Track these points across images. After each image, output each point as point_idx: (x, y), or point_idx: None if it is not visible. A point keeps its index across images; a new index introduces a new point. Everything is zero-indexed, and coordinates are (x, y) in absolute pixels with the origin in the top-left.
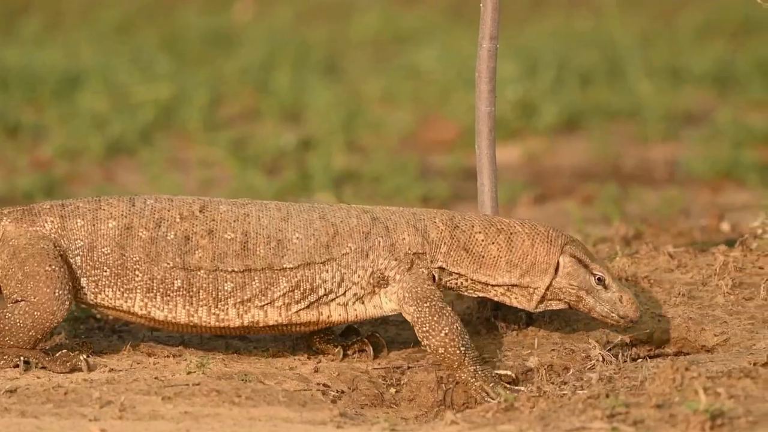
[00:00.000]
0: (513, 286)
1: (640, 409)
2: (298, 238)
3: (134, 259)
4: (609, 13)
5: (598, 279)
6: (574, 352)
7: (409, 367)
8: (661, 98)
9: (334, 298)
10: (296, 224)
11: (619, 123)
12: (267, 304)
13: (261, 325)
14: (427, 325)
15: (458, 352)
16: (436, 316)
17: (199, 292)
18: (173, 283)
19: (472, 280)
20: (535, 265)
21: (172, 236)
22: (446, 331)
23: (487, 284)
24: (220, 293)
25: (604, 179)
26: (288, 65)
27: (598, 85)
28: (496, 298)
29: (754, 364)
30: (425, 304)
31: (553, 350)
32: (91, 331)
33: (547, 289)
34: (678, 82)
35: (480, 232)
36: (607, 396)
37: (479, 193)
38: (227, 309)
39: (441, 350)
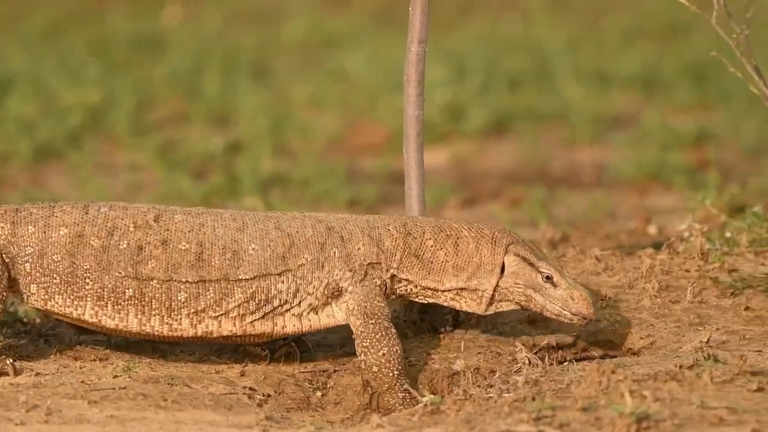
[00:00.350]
0: (461, 289)
1: (566, 412)
2: (254, 248)
3: (85, 267)
4: (537, 16)
5: (546, 277)
6: (501, 355)
7: (335, 371)
8: (588, 101)
9: (289, 309)
10: (252, 235)
11: (547, 126)
12: (221, 314)
13: (215, 335)
14: (368, 341)
15: (391, 374)
16: (379, 334)
17: (151, 301)
18: (124, 293)
19: (421, 286)
20: (480, 267)
21: (125, 245)
22: (385, 352)
23: (436, 290)
24: (173, 303)
25: (532, 182)
26: (216, 69)
27: (526, 89)
28: (446, 303)
29: (680, 367)
30: (371, 321)
31: (479, 353)
32: (17, 335)
33: (495, 290)
34: (605, 86)
35: (430, 238)
36: (534, 399)
37: (407, 197)
38: (180, 319)
39: (375, 369)
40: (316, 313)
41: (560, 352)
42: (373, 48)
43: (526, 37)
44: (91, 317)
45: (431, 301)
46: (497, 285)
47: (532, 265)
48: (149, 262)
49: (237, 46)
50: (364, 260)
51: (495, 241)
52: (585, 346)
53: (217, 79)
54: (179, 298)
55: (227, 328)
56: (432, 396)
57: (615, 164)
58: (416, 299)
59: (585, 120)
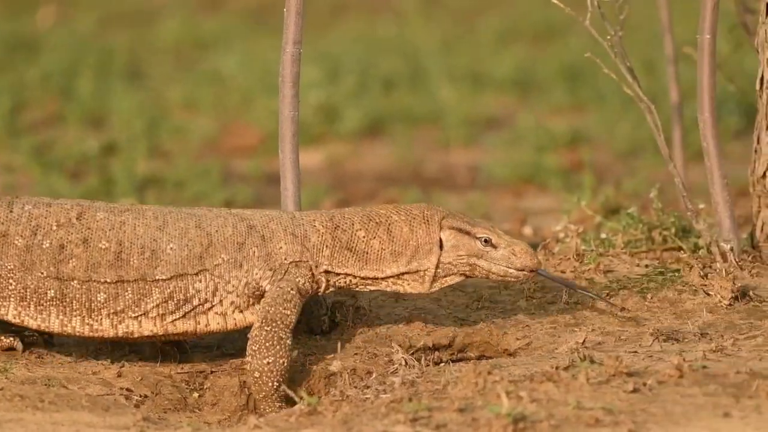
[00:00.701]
0: (403, 274)
1: (443, 413)
2: (171, 248)
3: (8, 267)
4: (411, 18)
5: (485, 241)
6: (377, 356)
7: (212, 372)
8: (463, 103)
9: (211, 308)
10: (171, 234)
11: (421, 128)
12: (141, 314)
13: (136, 335)
14: (258, 345)
15: (271, 385)
16: (270, 342)
17: (72, 302)
18: (46, 293)
19: (360, 277)
20: (419, 248)
21: (48, 245)
22: (270, 361)
23: (376, 278)
24: (93, 304)
25: (407, 184)
26: (91, 71)
27: (400, 91)
28: (389, 289)
29: (557, 368)
30: (267, 326)
31: (356, 354)
32: None
33: (437, 267)
34: (480, 87)
35: (361, 229)
36: (410, 400)
37: (282, 197)
38: (101, 319)
39: (257, 374)
40: (241, 312)
41: (437, 353)
42: (248, 49)
43: (401, 39)
44: (15, 318)
45: (373, 289)
46: (439, 261)
47: (468, 233)
48: (70, 261)
49: (111, 48)
50: (285, 259)
51: (428, 220)
52: (461, 346)
53: (92, 81)
54: (98, 298)
55: (148, 328)
56: (309, 397)
57: (489, 166)
58: (357, 289)
59: (459, 122)
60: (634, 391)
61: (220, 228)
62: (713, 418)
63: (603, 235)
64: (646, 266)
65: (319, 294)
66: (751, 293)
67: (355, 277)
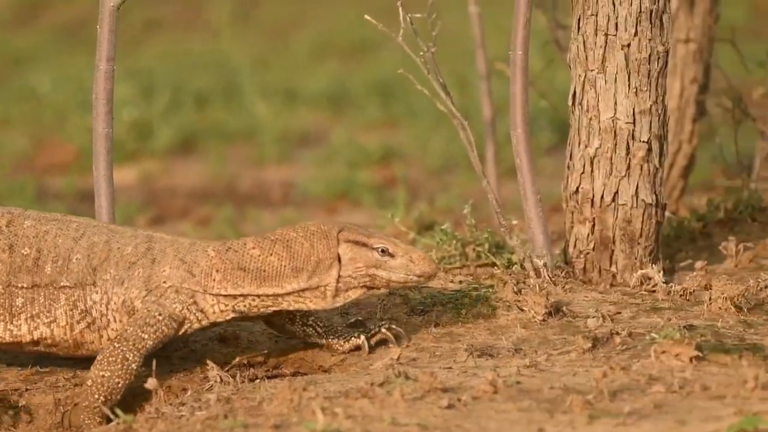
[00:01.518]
0: (304, 290)
1: (259, 429)
2: (77, 258)
3: None
4: (224, 34)
5: (381, 251)
6: (192, 373)
7: (27, 390)
8: (276, 119)
9: (108, 323)
10: (83, 245)
11: (235, 144)
12: (52, 321)
13: (49, 342)
14: (102, 356)
15: (97, 397)
16: (114, 359)
17: None
18: None
19: (258, 296)
20: (320, 263)
21: None
22: (106, 376)
23: (276, 295)
24: (13, 308)
25: (220, 201)
26: None
27: (214, 107)
28: (290, 307)
29: (372, 384)
30: (117, 343)
31: (171, 371)
32: None
33: (338, 282)
34: (294, 103)
35: (255, 248)
36: (226, 417)
37: (97, 215)
38: (20, 324)
39: (89, 383)
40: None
41: (252, 369)
42: (61, 66)
43: (215, 55)
44: None
45: (274, 309)
46: (339, 276)
47: (364, 245)
48: None
49: None
50: (164, 282)
51: (326, 235)
52: (276, 363)
53: None
54: (17, 303)
55: (59, 335)
56: (125, 414)
57: (303, 182)
58: (259, 312)
59: (273, 138)
60: (449, 407)
61: (122, 246)
62: None
63: None
64: (461, 282)
65: (218, 322)
66: (564, 309)
67: (254, 296)
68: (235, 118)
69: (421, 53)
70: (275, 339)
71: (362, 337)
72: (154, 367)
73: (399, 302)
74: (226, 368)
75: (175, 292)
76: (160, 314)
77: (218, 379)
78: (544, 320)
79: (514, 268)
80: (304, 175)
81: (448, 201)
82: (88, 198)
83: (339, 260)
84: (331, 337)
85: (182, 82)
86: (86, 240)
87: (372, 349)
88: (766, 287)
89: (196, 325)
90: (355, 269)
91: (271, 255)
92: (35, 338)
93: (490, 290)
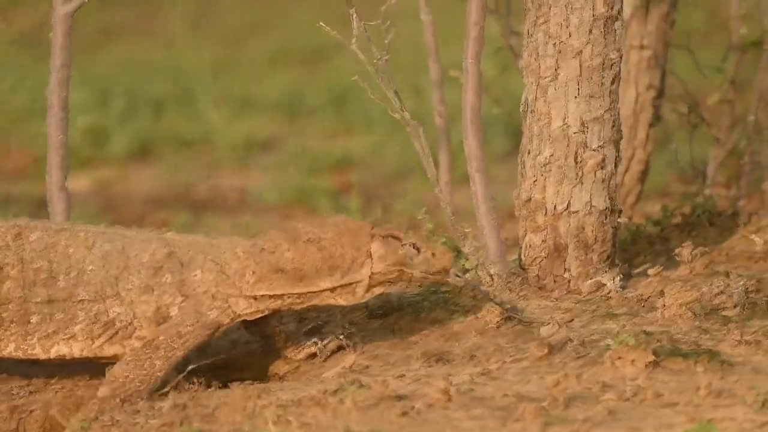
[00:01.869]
0: (335, 288)
1: None
2: (91, 269)
3: None
4: (181, 41)
5: (412, 246)
6: None
7: None
8: (232, 126)
9: (134, 332)
10: (96, 255)
11: (191, 151)
12: (70, 337)
13: (68, 358)
14: (131, 357)
15: (131, 386)
16: (143, 363)
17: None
18: None
19: (292, 294)
20: (354, 261)
21: None
22: (131, 377)
23: (310, 293)
24: (28, 326)
25: (176, 207)
26: None
27: (170, 114)
28: (322, 303)
29: (324, 393)
30: (148, 350)
31: None
32: None
33: (370, 278)
34: (250, 110)
35: (288, 250)
36: (181, 424)
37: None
38: (34, 343)
39: (111, 378)
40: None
41: (207, 376)
42: (17, 72)
43: (170, 62)
44: None
45: (307, 305)
46: (372, 273)
47: (397, 239)
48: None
49: None
50: (198, 287)
51: (357, 233)
52: (232, 369)
53: None
54: (32, 320)
55: (78, 350)
56: (79, 422)
57: (259, 189)
58: (292, 308)
59: (229, 145)
60: (403, 414)
61: (139, 252)
62: None
63: None
64: (420, 286)
65: (248, 319)
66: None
67: (289, 296)
68: (191, 124)
69: (375, 60)
70: (232, 345)
71: (318, 344)
72: (107, 374)
73: (359, 305)
74: (182, 374)
75: (212, 297)
76: (194, 323)
77: (174, 386)
78: (497, 327)
79: (468, 275)
80: (260, 182)
81: (403, 207)
82: (43, 205)
83: (371, 257)
84: (289, 344)
85: (138, 89)
86: (99, 249)
87: (327, 356)
88: (720, 293)
89: (227, 327)
90: (386, 266)
91: (307, 255)
92: (52, 356)
93: (449, 294)
